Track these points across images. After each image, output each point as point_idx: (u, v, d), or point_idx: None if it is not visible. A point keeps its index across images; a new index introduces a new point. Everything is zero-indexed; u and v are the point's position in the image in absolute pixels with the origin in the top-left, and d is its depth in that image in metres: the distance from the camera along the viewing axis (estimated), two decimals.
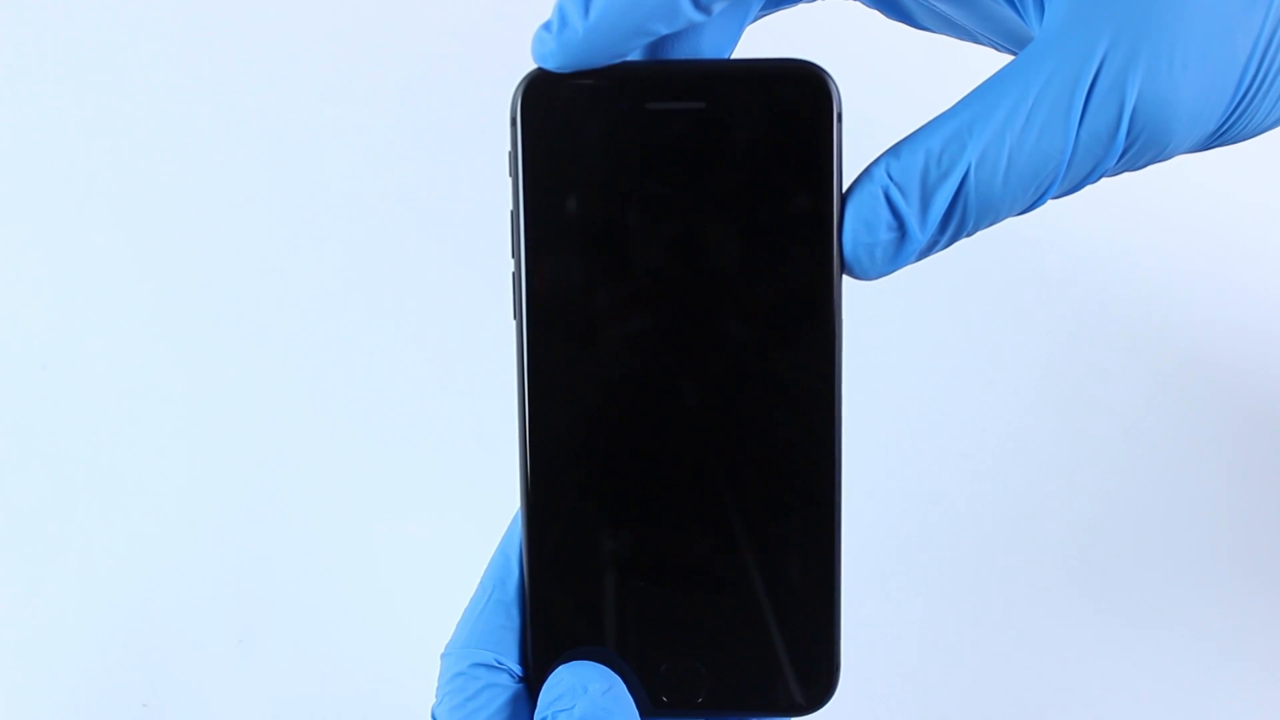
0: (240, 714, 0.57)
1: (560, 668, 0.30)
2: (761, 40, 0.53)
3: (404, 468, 0.55)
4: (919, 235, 0.27)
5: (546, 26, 0.28)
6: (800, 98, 0.29)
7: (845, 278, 0.29)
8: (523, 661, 0.31)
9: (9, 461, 0.55)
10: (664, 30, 0.27)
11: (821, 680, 0.31)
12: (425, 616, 0.45)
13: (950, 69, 0.53)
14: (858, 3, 0.35)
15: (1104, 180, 0.28)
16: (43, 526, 0.56)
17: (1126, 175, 0.29)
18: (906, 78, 0.54)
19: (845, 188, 0.29)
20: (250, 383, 0.55)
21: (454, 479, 0.55)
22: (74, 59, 0.54)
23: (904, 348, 0.55)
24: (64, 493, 0.55)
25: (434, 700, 0.31)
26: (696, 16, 0.27)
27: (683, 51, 0.30)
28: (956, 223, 0.27)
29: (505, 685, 0.30)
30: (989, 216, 0.27)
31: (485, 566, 0.32)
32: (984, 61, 0.51)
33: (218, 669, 0.56)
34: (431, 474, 0.56)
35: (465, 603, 0.32)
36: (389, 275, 0.55)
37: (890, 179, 0.27)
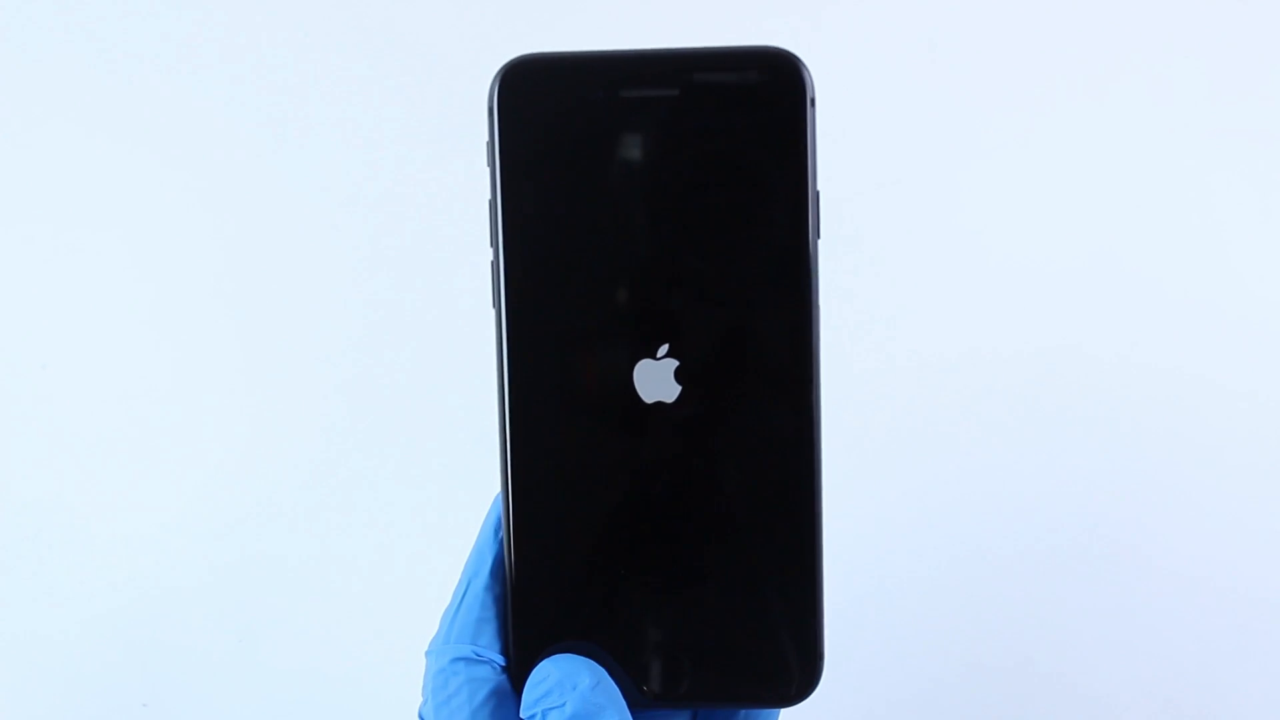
0: (240, 714, 0.57)
1: (544, 661, 0.29)
2: (741, 27, 0.53)
3: (403, 466, 0.55)
4: None
5: None
6: (773, 84, 0.29)
7: (821, 260, 0.29)
8: (504, 651, 0.31)
9: (9, 461, 0.56)
10: None
11: (804, 672, 0.30)
12: (425, 616, 0.45)
13: (931, 63, 0.53)
14: None
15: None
16: (42, 526, 0.56)
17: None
18: (887, 68, 0.53)
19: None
20: (250, 383, 0.55)
21: (454, 477, 0.55)
22: (72, 59, 0.54)
23: (886, 336, 0.55)
24: (64, 492, 0.56)
25: (420, 700, 0.31)
26: None
27: None
28: None
29: (486, 678, 0.30)
30: None
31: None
32: (963, 55, 0.51)
33: (218, 669, 0.56)
34: (431, 473, 0.55)
35: None
36: (379, 273, 0.55)
37: None
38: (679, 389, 0.30)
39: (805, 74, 0.29)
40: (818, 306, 0.30)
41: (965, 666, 0.55)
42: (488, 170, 0.30)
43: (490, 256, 0.30)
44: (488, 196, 0.30)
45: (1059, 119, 0.54)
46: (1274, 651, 0.55)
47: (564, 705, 0.28)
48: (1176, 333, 0.54)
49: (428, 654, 0.31)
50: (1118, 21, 0.53)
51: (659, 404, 0.30)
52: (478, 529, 0.32)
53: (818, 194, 0.29)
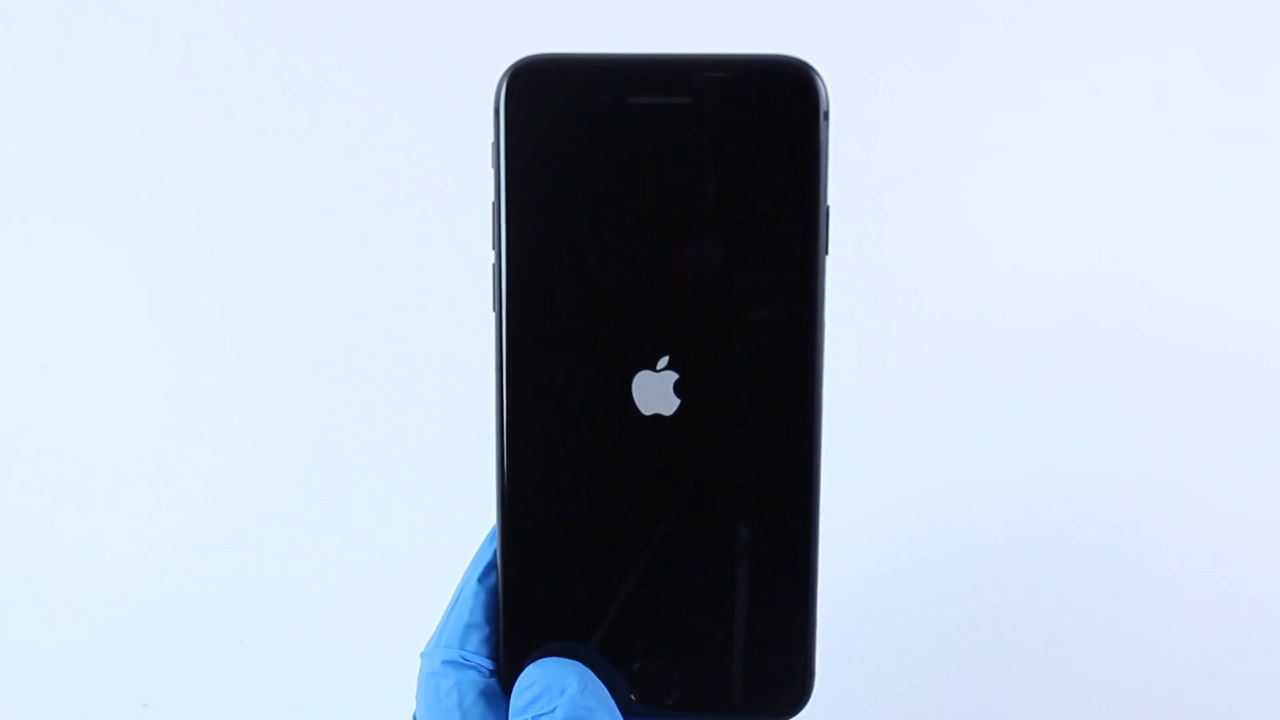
0: (240, 714, 0.57)
1: (530, 666, 0.29)
2: (750, 34, 0.53)
3: (403, 466, 0.55)
4: None
5: None
6: (786, 94, 0.28)
7: (827, 274, 0.29)
8: (494, 656, 0.30)
9: (9, 461, 0.56)
10: None
11: (795, 687, 0.30)
12: (425, 617, 0.45)
13: (932, 68, 0.53)
14: None
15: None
16: (43, 526, 0.56)
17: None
18: (895, 73, 0.53)
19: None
20: (250, 382, 0.55)
21: (454, 477, 0.55)
22: (72, 59, 0.54)
23: (887, 344, 0.54)
24: (64, 493, 0.56)
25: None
26: None
27: None
28: None
29: (474, 681, 0.30)
30: None
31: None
32: (971, 60, 0.50)
33: (218, 669, 0.56)
34: (432, 473, 0.55)
35: None
36: (380, 275, 0.55)
37: None
38: (678, 402, 0.30)
39: (819, 85, 0.28)
40: (823, 325, 0.29)
41: (964, 666, 0.55)
42: (491, 172, 0.29)
43: (491, 259, 0.30)
44: (491, 198, 0.30)
45: (1059, 118, 0.53)
46: (1275, 650, 0.55)
47: (554, 710, 0.28)
48: (1177, 332, 0.54)
49: (421, 656, 0.31)
50: (1117, 8, 0.53)
51: (657, 416, 0.30)
52: (481, 533, 0.32)
53: (828, 209, 0.29)
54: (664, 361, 0.29)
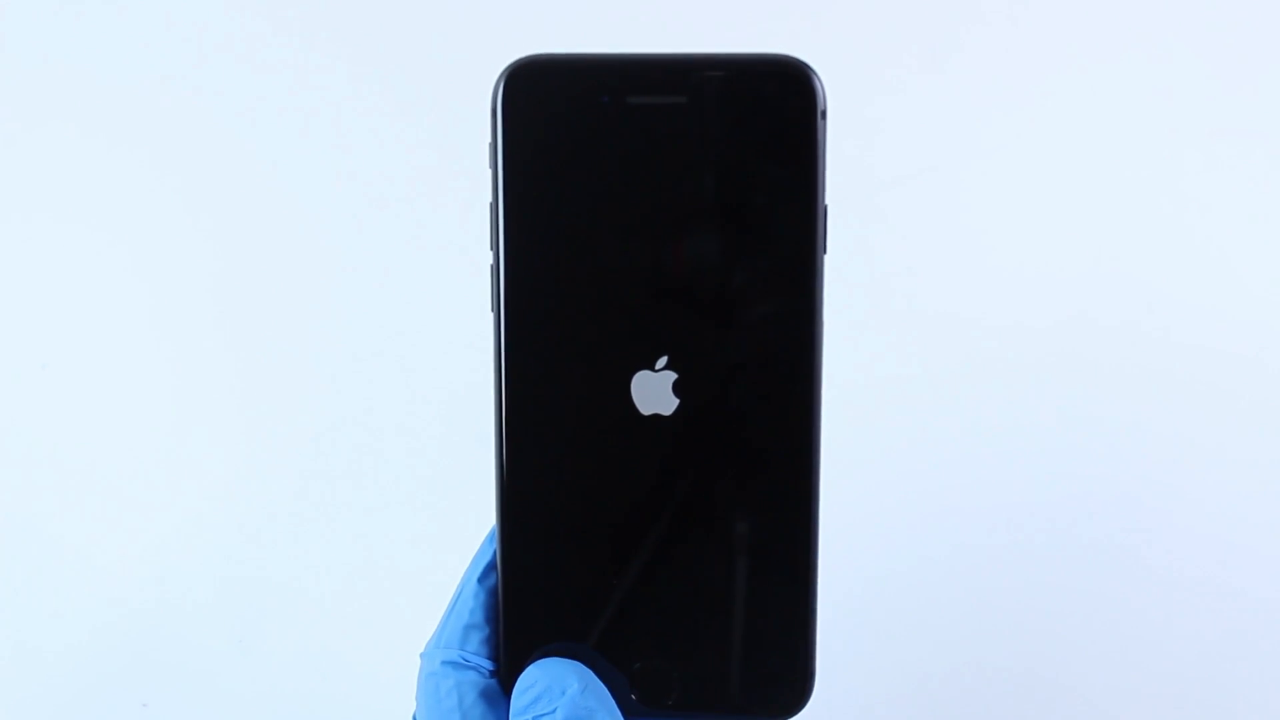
0: (240, 714, 0.57)
1: (530, 667, 0.29)
2: (750, 34, 0.53)
3: (403, 467, 0.55)
4: None
5: None
6: (784, 93, 0.28)
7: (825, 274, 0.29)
8: (494, 656, 0.30)
9: (9, 461, 0.56)
10: None
11: (795, 687, 0.30)
12: (425, 617, 0.45)
13: (932, 70, 0.53)
14: None
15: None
16: (42, 526, 0.56)
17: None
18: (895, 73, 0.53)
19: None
20: (249, 382, 0.55)
21: (454, 477, 0.55)
22: (72, 59, 0.54)
23: (887, 344, 0.54)
24: (64, 493, 0.56)
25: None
26: None
27: None
28: None
29: (473, 682, 0.30)
30: None
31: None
32: (971, 60, 0.50)
33: (218, 669, 0.56)
34: (431, 473, 0.55)
35: None
36: (379, 275, 0.55)
37: None
38: (677, 402, 0.30)
39: (817, 85, 0.28)
40: (822, 324, 0.29)
41: (964, 666, 0.55)
42: (489, 172, 0.29)
43: (490, 260, 0.30)
44: (489, 199, 0.30)
45: (1059, 118, 0.53)
46: (1276, 650, 0.55)
47: (554, 711, 0.28)
48: (1177, 332, 0.54)
49: (420, 657, 0.31)
50: (1117, 8, 0.53)
51: (656, 416, 0.30)
52: (481, 533, 0.32)
53: (826, 208, 0.29)
54: (663, 361, 0.29)
